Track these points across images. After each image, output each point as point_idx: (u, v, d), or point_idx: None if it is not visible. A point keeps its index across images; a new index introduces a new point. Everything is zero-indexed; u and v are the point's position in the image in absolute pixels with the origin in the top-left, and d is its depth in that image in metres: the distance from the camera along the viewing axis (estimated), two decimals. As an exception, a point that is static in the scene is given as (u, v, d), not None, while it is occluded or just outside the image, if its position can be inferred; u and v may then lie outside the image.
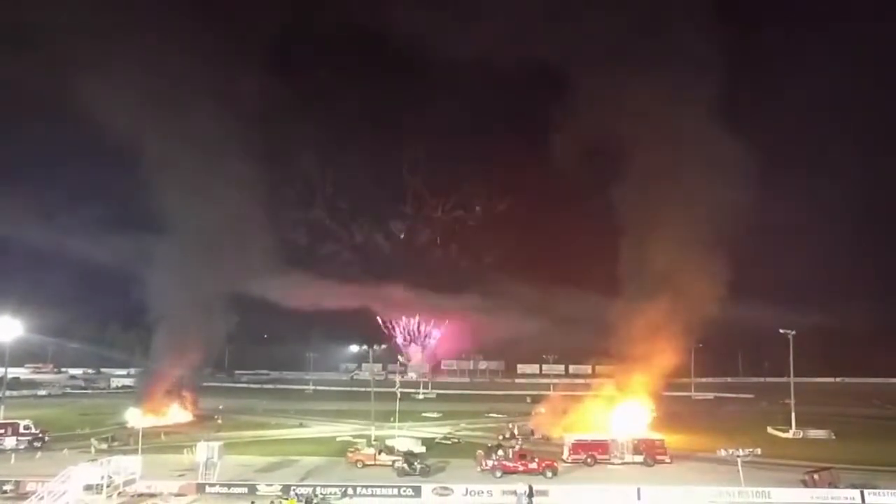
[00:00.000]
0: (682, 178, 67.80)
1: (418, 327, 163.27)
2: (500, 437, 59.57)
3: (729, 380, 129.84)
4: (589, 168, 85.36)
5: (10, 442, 56.17)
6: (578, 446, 52.15)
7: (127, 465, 40.88)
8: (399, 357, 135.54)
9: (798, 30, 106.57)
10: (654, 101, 69.88)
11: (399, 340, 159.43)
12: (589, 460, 51.15)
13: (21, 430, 57.24)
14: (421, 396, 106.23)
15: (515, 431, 61.99)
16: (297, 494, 39.97)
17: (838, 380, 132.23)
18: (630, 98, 70.71)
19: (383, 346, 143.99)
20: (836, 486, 42.04)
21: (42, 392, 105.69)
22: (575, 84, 78.84)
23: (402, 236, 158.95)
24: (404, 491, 41.42)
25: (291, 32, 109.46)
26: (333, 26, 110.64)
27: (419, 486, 41.63)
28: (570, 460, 51.30)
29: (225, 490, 41.72)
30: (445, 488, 41.40)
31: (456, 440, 62.77)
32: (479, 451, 50.69)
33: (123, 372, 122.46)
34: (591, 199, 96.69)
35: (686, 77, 69.32)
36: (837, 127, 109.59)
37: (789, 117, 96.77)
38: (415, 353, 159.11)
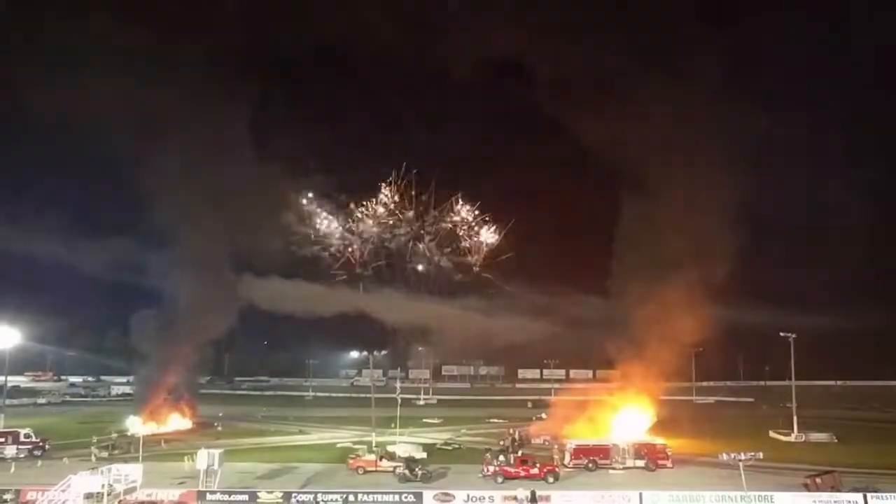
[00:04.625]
0: (684, 177, 67.75)
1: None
2: (501, 443, 59.21)
3: (730, 383, 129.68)
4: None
5: (10, 451, 55.92)
6: (580, 451, 51.91)
7: (127, 473, 40.69)
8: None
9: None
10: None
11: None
12: (590, 465, 50.99)
13: (21, 438, 57.05)
14: (422, 402, 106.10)
15: (517, 436, 61.49)
16: (298, 502, 39.85)
17: (840, 383, 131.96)
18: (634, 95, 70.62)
19: (383, 352, 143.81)
20: (838, 490, 41.90)
21: (42, 400, 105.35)
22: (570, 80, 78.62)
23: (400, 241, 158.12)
24: (405, 497, 41.24)
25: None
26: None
27: (420, 493, 41.52)
28: (571, 465, 51.12)
29: (226, 497, 41.59)
30: (447, 494, 41.29)
31: (457, 446, 62.57)
32: (487, 455, 50.31)
33: (123, 380, 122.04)
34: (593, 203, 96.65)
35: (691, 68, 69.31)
36: (845, 125, 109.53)
37: (793, 115, 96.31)
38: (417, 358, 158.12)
